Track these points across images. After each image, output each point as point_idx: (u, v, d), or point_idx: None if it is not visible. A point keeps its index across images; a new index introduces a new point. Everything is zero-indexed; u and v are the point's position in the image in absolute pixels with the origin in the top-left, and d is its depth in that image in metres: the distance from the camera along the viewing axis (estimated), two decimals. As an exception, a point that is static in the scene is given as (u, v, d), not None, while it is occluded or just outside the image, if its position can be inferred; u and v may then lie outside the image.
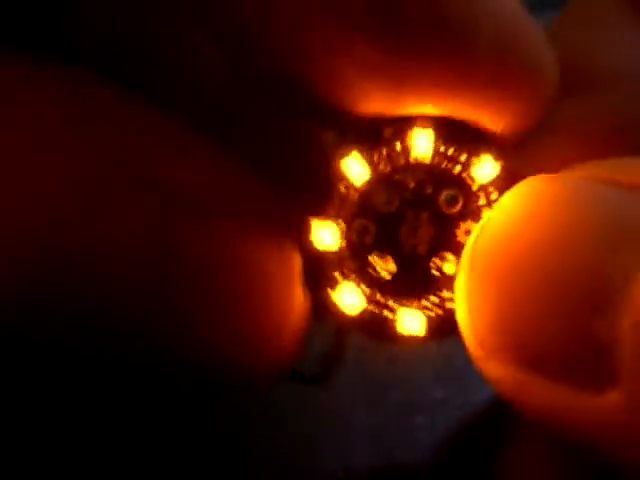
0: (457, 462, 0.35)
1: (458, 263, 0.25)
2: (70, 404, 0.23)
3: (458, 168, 0.25)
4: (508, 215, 0.23)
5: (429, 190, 0.25)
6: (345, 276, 0.25)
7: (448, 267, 0.25)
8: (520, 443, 0.28)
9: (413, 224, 0.25)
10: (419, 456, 0.35)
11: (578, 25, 0.27)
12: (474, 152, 0.25)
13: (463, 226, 0.25)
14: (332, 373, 0.27)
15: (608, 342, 0.20)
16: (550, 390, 0.21)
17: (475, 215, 0.25)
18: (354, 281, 0.25)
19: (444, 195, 0.25)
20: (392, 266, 0.25)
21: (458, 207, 0.25)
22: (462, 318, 0.23)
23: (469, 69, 0.23)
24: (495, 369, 0.22)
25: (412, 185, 0.25)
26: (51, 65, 0.22)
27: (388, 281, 0.25)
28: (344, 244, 0.25)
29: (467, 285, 0.23)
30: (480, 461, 0.34)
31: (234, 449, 0.34)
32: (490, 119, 0.24)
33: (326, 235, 0.25)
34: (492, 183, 0.25)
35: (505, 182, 0.25)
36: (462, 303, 0.23)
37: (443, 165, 0.25)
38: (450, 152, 0.25)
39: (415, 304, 0.26)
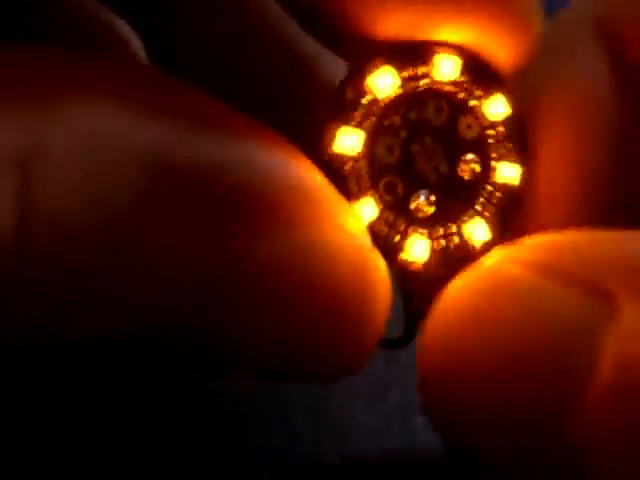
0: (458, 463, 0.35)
1: (478, 154, 0.25)
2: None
3: (424, 82, 0.25)
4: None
5: (414, 115, 0.25)
6: (408, 234, 0.26)
7: (474, 166, 0.26)
8: None
9: (423, 153, 0.26)
10: (419, 456, 0.35)
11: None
12: (425, 59, 0.25)
13: (463, 122, 0.26)
14: (416, 333, 0.27)
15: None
16: None
17: (464, 108, 0.26)
18: (420, 234, 0.25)
19: (430, 110, 0.26)
20: (432, 197, 0.26)
21: (445, 113, 0.26)
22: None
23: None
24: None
25: (399, 122, 0.25)
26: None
27: (438, 212, 0.26)
28: (386, 211, 0.25)
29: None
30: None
31: (232, 447, 0.34)
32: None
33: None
34: (462, 73, 0.25)
35: (472, 64, 0.25)
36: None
37: (410, 89, 0.25)
38: (407, 74, 0.25)
39: (473, 213, 0.26)
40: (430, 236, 0.26)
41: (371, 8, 0.24)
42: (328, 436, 0.34)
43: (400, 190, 0.25)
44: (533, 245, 0.23)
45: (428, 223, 0.26)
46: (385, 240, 0.25)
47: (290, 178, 0.21)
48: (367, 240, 0.23)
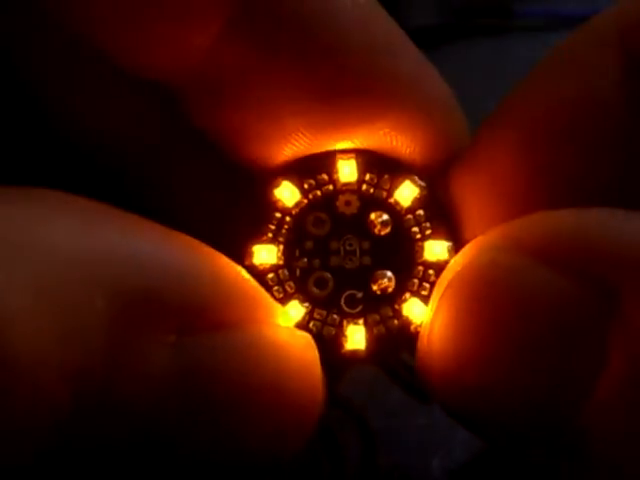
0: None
1: (399, 238, 0.27)
2: None
3: (326, 187, 0.27)
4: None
5: (325, 219, 0.27)
6: (343, 326, 0.27)
7: (387, 282, 0.27)
8: None
9: (343, 251, 0.27)
10: (419, 456, 0.36)
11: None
12: (326, 168, 0.27)
13: (375, 214, 0.27)
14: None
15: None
16: None
17: (376, 202, 0.27)
18: (355, 324, 0.27)
19: (341, 211, 0.27)
20: (359, 294, 0.27)
21: (356, 209, 0.27)
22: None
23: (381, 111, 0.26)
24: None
25: (311, 230, 0.27)
26: None
27: (370, 300, 0.27)
28: (317, 309, 0.27)
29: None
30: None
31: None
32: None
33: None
34: (364, 172, 0.27)
35: (372, 161, 0.27)
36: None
37: (314, 197, 0.27)
38: (308, 184, 0.27)
39: (409, 295, 0.27)
40: (366, 324, 0.27)
41: (271, 139, 0.26)
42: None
43: (328, 288, 0.27)
44: (530, 227, 0.23)
45: (361, 312, 0.27)
46: (321, 335, 0.26)
47: (229, 285, 0.23)
48: (306, 334, 0.25)
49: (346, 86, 0.26)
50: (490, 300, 0.22)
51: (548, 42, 0.28)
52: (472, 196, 0.27)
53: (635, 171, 0.25)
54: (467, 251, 0.25)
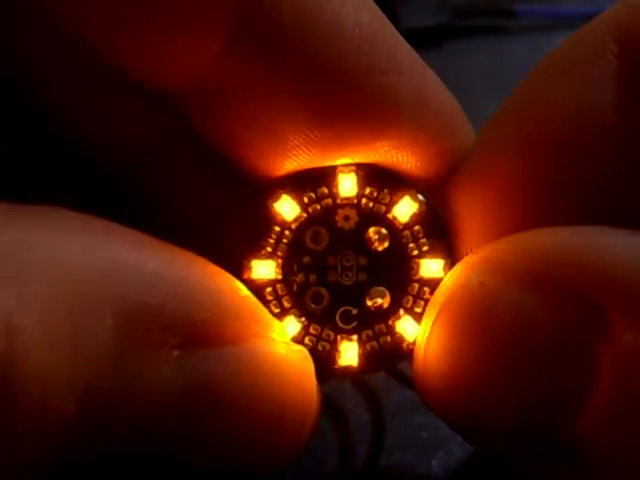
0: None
1: (396, 255, 0.27)
2: None
3: (326, 201, 0.27)
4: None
5: (324, 234, 0.27)
6: (337, 342, 0.27)
7: (382, 300, 0.27)
8: None
9: (340, 268, 0.27)
10: (419, 456, 0.36)
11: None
12: (325, 181, 0.27)
13: (373, 230, 0.27)
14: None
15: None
16: None
17: (374, 217, 0.27)
18: (349, 340, 0.27)
19: (339, 226, 0.27)
20: (354, 310, 0.27)
21: (356, 225, 0.27)
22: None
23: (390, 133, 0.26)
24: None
25: (310, 244, 0.27)
26: None
27: (364, 317, 0.27)
28: (312, 324, 0.27)
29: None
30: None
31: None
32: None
33: None
34: (364, 186, 0.27)
35: (373, 176, 0.27)
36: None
37: (314, 211, 0.27)
38: (308, 198, 0.27)
39: (403, 312, 0.27)
40: (359, 340, 0.27)
41: (271, 154, 0.27)
42: (329, 436, 0.35)
43: (324, 303, 0.27)
44: (515, 248, 0.23)
45: (355, 329, 0.27)
46: (315, 350, 0.27)
47: (228, 302, 0.24)
48: (302, 348, 0.26)
49: (347, 105, 0.26)
50: (480, 324, 0.23)
51: (548, 42, 0.28)
52: (470, 209, 0.27)
53: (633, 178, 0.25)
54: (457, 271, 0.25)
